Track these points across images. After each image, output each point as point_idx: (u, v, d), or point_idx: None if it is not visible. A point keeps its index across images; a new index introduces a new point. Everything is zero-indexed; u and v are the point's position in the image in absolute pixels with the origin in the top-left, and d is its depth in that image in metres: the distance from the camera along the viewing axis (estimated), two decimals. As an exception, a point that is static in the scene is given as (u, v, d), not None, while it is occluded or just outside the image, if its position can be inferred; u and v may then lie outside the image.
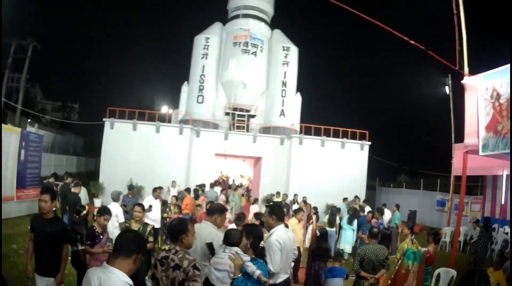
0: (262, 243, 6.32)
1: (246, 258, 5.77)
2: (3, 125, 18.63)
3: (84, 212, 8.89)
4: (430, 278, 9.94)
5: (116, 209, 11.76)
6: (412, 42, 11.54)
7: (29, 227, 7.21)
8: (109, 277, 3.47)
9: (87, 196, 17.22)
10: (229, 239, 5.87)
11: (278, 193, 23.09)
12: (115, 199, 12.76)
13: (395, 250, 16.33)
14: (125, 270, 3.58)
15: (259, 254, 6.12)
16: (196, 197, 18.85)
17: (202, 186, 21.87)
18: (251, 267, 5.68)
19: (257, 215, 8.95)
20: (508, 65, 8.93)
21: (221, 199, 20.07)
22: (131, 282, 3.56)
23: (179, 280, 4.67)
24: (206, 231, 6.28)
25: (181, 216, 13.73)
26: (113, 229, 11.15)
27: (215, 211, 6.72)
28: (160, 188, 14.61)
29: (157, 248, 13.03)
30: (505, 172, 16.93)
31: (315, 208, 18.00)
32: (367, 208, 19.98)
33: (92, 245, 7.85)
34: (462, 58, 10.75)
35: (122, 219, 11.51)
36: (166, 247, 9.66)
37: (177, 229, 5.06)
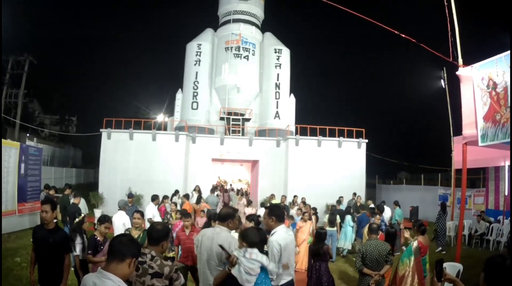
0: (265, 248, 6.26)
1: (267, 260, 5.77)
2: (3, 140, 18.72)
3: (79, 218, 8.84)
4: (427, 268, 9.99)
5: (123, 217, 11.80)
6: (404, 35, 11.53)
7: (31, 238, 7.22)
8: (104, 282, 3.45)
9: (86, 207, 17.22)
10: (249, 239, 5.82)
11: (273, 196, 23.18)
12: (121, 207, 12.76)
13: (398, 247, 16.41)
14: (120, 274, 3.55)
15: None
16: (198, 201, 18.79)
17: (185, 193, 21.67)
18: (271, 265, 5.72)
19: (249, 217, 8.87)
20: (503, 54, 8.91)
21: (220, 205, 20.10)
22: None
23: None
24: (223, 236, 6.21)
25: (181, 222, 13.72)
26: None
27: (227, 216, 6.62)
28: (166, 196, 14.63)
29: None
30: (507, 163, 16.88)
31: (314, 208, 17.97)
32: (372, 205, 20.02)
33: (94, 254, 7.84)
34: (455, 49, 10.73)
35: (129, 226, 11.50)
36: (171, 254, 9.58)
37: (161, 234, 5.07)
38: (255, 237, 5.87)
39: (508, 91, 8.63)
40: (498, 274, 3.60)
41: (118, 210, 12.43)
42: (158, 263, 4.72)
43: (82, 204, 16.39)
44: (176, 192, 21.89)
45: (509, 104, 8.61)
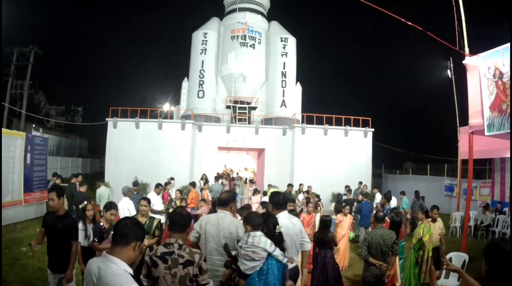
0: (277, 228, 6.14)
1: (272, 245, 5.69)
2: (8, 130, 18.79)
3: (82, 205, 8.81)
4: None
5: (127, 203, 11.97)
6: (410, 23, 11.47)
7: (42, 224, 7.29)
8: (108, 266, 3.43)
9: (110, 194, 17.17)
10: (252, 222, 5.81)
11: (270, 186, 23.22)
12: (125, 194, 12.78)
13: (404, 236, 16.46)
14: (125, 258, 3.53)
15: (276, 241, 5.94)
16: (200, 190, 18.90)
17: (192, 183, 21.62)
18: (276, 251, 5.65)
19: (263, 204, 8.85)
20: (509, 44, 8.87)
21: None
22: (130, 270, 3.50)
23: (190, 277, 4.53)
24: (228, 220, 6.25)
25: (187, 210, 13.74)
26: None
27: (228, 200, 6.61)
28: (160, 184, 14.55)
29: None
30: (512, 154, 16.83)
31: (318, 196, 17.95)
32: (378, 195, 20.01)
33: (100, 241, 7.85)
34: (462, 38, 10.68)
35: (134, 212, 11.46)
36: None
37: (185, 220, 4.94)
38: (258, 219, 5.86)
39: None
40: (499, 256, 3.61)
41: (124, 197, 12.55)
42: (187, 251, 4.62)
43: (106, 192, 17.03)
44: (171, 179, 21.96)
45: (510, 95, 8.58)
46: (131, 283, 3.34)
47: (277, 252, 5.62)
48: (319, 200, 16.89)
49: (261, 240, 5.59)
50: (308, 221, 11.60)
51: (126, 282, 3.32)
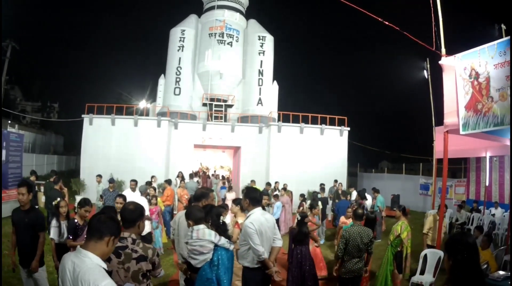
0: (221, 218, 6.36)
1: (217, 236, 5.87)
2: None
3: (55, 202, 8.76)
4: None
5: (143, 203, 11.76)
6: (387, 23, 11.54)
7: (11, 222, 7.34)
8: (82, 261, 3.43)
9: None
10: (193, 216, 5.96)
11: (253, 182, 23.05)
12: (143, 192, 12.78)
13: (379, 234, 16.57)
14: (99, 253, 3.54)
15: (221, 231, 6.16)
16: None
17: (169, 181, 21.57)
18: (222, 240, 5.82)
19: (236, 201, 8.90)
20: (486, 45, 8.98)
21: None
22: (104, 265, 3.51)
23: (143, 272, 4.56)
24: None
25: (158, 207, 13.71)
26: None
27: (201, 196, 6.85)
28: (134, 180, 14.46)
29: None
30: (488, 154, 17.02)
31: (303, 195, 17.83)
32: (354, 192, 20.08)
33: (74, 238, 7.80)
34: (439, 39, 10.77)
35: (147, 213, 11.39)
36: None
37: (135, 214, 4.87)
38: (199, 213, 6.00)
39: (490, 81, 8.72)
40: (461, 250, 3.65)
41: (140, 196, 12.50)
42: (141, 246, 4.64)
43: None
44: (152, 178, 21.97)
45: (491, 94, 8.69)
46: (105, 278, 3.34)
47: (223, 241, 5.81)
48: (304, 200, 16.97)
49: (205, 232, 5.76)
50: (311, 224, 11.64)
51: (99, 277, 3.32)
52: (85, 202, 8.29)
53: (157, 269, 4.77)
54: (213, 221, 6.17)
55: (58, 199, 8.94)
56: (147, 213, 11.28)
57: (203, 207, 6.76)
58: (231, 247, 5.83)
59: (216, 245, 5.78)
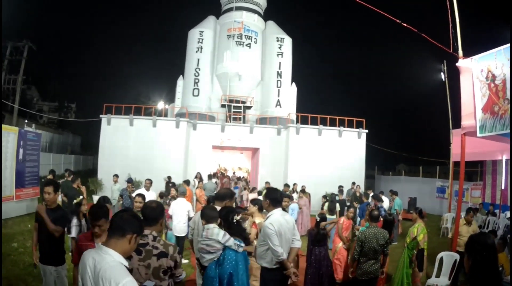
0: (235, 217, 6.33)
1: (225, 236, 5.82)
2: (1, 125, 18.70)
3: (77, 200, 8.76)
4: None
5: (186, 205, 11.86)
6: (405, 25, 11.51)
7: (35, 219, 7.31)
8: (103, 258, 3.39)
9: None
10: (204, 216, 6.01)
11: (268, 183, 23.13)
12: (181, 194, 12.76)
13: (396, 236, 16.48)
14: (120, 250, 3.51)
15: (235, 231, 6.15)
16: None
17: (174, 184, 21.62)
18: (230, 241, 5.74)
19: (253, 201, 8.89)
20: (502, 47, 8.92)
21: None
22: (126, 263, 3.48)
23: (164, 269, 4.54)
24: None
25: None
26: (181, 225, 11.42)
27: (225, 196, 6.83)
28: (149, 179, 14.46)
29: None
30: (505, 157, 16.92)
31: (325, 197, 18.35)
32: (371, 194, 20.02)
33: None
34: (456, 40, 10.73)
35: (192, 214, 11.41)
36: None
37: (157, 212, 4.89)
38: (211, 212, 6.02)
39: (506, 83, 8.67)
40: (481, 250, 3.66)
41: (181, 198, 12.40)
42: (161, 243, 4.62)
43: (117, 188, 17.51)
44: (169, 178, 22.10)
45: (507, 96, 8.65)
46: (126, 276, 3.30)
47: (230, 242, 5.73)
48: (326, 201, 16.96)
49: (213, 232, 5.73)
50: (347, 226, 11.58)
51: (120, 275, 3.28)
52: (104, 200, 8.29)
53: (179, 268, 4.73)
54: (225, 221, 6.17)
55: (81, 197, 8.99)
56: (192, 214, 11.29)
57: (222, 208, 6.75)
58: (240, 249, 5.78)
59: (224, 246, 5.77)
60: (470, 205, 23.60)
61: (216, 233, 5.69)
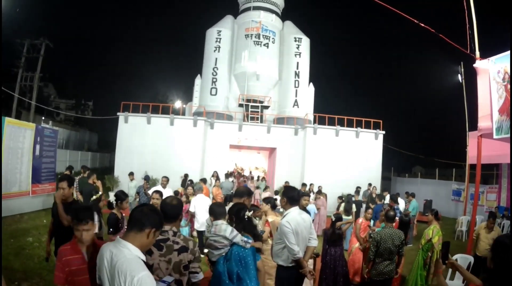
0: (247, 213, 6.31)
1: (233, 232, 5.79)
2: (17, 121, 18.92)
3: (96, 196, 8.80)
4: None
5: (207, 200, 12.08)
6: (423, 25, 11.51)
7: (51, 214, 7.47)
8: (120, 251, 3.44)
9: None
10: (212, 212, 6.00)
11: (287, 183, 23.13)
12: (198, 190, 12.83)
13: (411, 238, 16.44)
14: (138, 244, 3.53)
15: (243, 227, 6.12)
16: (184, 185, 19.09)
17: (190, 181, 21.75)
18: (237, 237, 5.72)
19: (266, 200, 8.90)
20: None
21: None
22: (143, 257, 3.54)
23: (185, 264, 4.56)
24: None
25: (188, 205, 13.72)
26: (204, 220, 11.30)
27: (243, 193, 6.87)
28: (165, 177, 14.53)
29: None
30: (520, 160, 16.85)
31: (340, 197, 18.68)
32: (388, 197, 19.93)
33: (115, 232, 7.81)
34: (473, 42, 10.72)
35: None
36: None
37: (177, 209, 4.93)
38: (219, 208, 6.01)
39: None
40: (504, 251, 3.67)
41: (199, 194, 12.68)
42: (182, 238, 4.68)
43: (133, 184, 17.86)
44: (186, 176, 22.20)
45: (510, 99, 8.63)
46: (142, 270, 3.32)
47: (238, 239, 5.70)
48: (342, 201, 16.99)
49: (221, 228, 5.72)
50: (365, 227, 11.58)
51: (137, 268, 3.31)
52: (123, 194, 8.39)
53: (196, 262, 4.72)
54: (237, 218, 6.15)
55: (100, 193, 9.03)
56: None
57: (234, 205, 6.73)
58: (247, 246, 5.75)
59: (231, 242, 5.78)
60: (485, 209, 23.57)
61: (224, 229, 5.68)
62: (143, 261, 3.49)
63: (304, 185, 21.12)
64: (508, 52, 9.18)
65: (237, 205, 6.46)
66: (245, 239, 5.72)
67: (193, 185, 15.99)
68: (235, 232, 5.70)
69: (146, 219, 3.62)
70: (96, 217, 7.84)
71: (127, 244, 3.48)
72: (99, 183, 15.04)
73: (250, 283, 5.62)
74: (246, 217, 6.13)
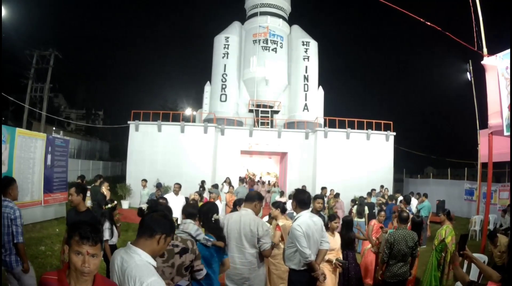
0: (215, 216, 6.24)
1: (198, 231, 5.79)
2: (28, 131, 19.10)
3: (111, 204, 8.82)
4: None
5: (220, 205, 11.90)
6: (429, 23, 11.49)
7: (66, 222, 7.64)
8: (131, 257, 3.44)
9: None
10: (185, 211, 6.04)
11: (304, 186, 22.61)
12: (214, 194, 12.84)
13: (424, 240, 16.38)
14: (149, 250, 3.52)
15: (213, 228, 6.14)
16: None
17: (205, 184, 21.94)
18: (200, 236, 5.72)
19: (275, 204, 8.90)
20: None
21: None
22: (154, 262, 3.50)
23: (187, 265, 4.62)
24: (249, 217, 6.44)
25: None
26: None
27: (254, 198, 6.81)
28: (178, 183, 14.55)
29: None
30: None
31: (354, 201, 18.82)
32: (400, 198, 19.88)
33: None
34: (480, 39, 10.68)
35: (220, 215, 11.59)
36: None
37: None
38: (190, 209, 6.05)
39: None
40: None
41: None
42: (180, 240, 4.70)
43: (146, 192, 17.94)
44: (203, 182, 22.22)
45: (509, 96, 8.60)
46: (152, 275, 3.32)
47: (200, 237, 5.71)
48: (355, 204, 17.02)
49: (189, 226, 5.72)
50: (377, 229, 11.53)
51: (147, 274, 3.30)
52: (141, 212, 8.38)
53: (198, 260, 4.81)
54: (205, 219, 6.19)
55: (115, 202, 9.06)
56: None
57: (204, 204, 6.94)
58: (208, 243, 5.74)
59: (195, 239, 5.80)
60: (498, 207, 23.43)
61: (191, 228, 5.70)
62: (154, 267, 3.50)
63: (324, 188, 21.18)
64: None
65: (207, 205, 6.56)
66: (207, 237, 5.75)
67: (199, 192, 16.08)
68: (199, 231, 5.75)
69: (156, 225, 3.63)
70: (107, 224, 7.89)
71: (137, 250, 3.50)
72: (107, 193, 15.03)
73: (214, 275, 5.76)
74: (213, 219, 6.15)
